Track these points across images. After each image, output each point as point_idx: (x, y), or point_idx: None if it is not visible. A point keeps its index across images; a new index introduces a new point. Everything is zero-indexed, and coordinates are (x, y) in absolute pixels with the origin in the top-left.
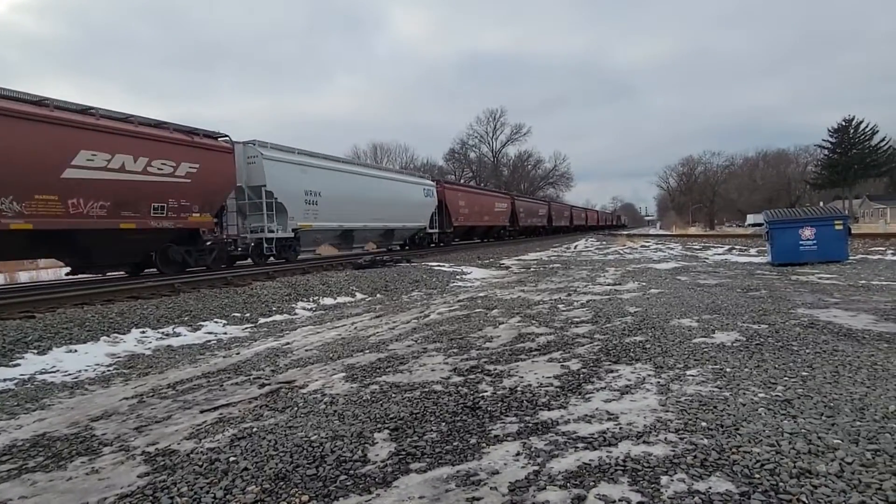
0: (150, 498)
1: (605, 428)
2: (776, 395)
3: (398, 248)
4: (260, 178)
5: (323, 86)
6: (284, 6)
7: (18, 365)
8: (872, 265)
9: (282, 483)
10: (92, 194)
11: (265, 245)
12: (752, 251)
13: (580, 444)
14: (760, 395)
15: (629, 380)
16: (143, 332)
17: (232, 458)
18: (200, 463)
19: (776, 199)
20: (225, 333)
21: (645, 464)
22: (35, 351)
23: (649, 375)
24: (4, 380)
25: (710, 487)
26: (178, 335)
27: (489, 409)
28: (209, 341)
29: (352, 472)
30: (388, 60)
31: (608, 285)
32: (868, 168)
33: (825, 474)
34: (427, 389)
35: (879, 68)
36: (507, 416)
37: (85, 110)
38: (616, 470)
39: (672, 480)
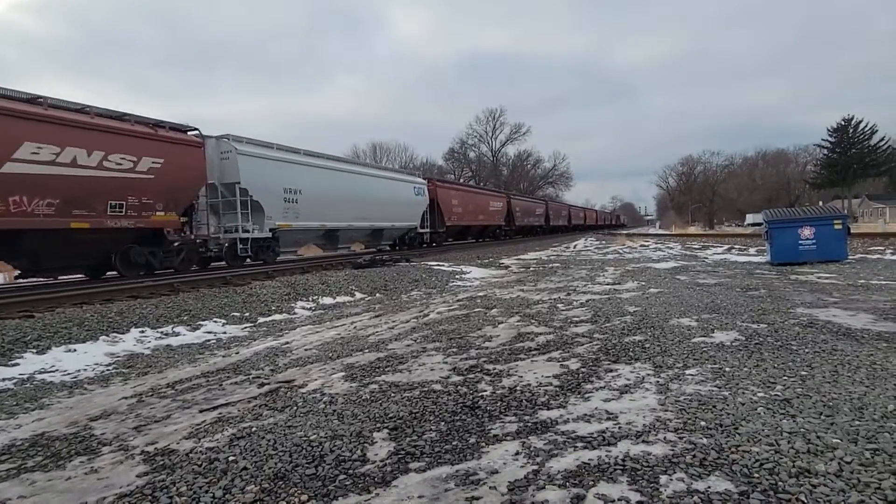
0: (150, 497)
1: (604, 427)
2: (775, 395)
3: (388, 248)
4: (234, 175)
5: (323, 86)
6: (284, 6)
7: (17, 364)
8: (871, 264)
9: (281, 482)
10: (37, 191)
11: (240, 246)
12: (752, 251)
13: (579, 444)
14: (759, 394)
15: (628, 379)
16: (143, 332)
17: (231, 458)
18: (199, 462)
19: (775, 198)
20: (224, 333)
21: (644, 463)
22: (34, 350)
23: (648, 375)
24: (3, 379)
25: (709, 487)
26: (178, 335)
27: (488, 408)
28: (208, 341)
29: (351, 471)
30: (388, 60)
31: (607, 285)
32: (867, 167)
33: (824, 473)
34: (426, 389)
35: (879, 68)
36: (506, 415)
37: (32, 99)
38: (615, 469)
39: (671, 480)
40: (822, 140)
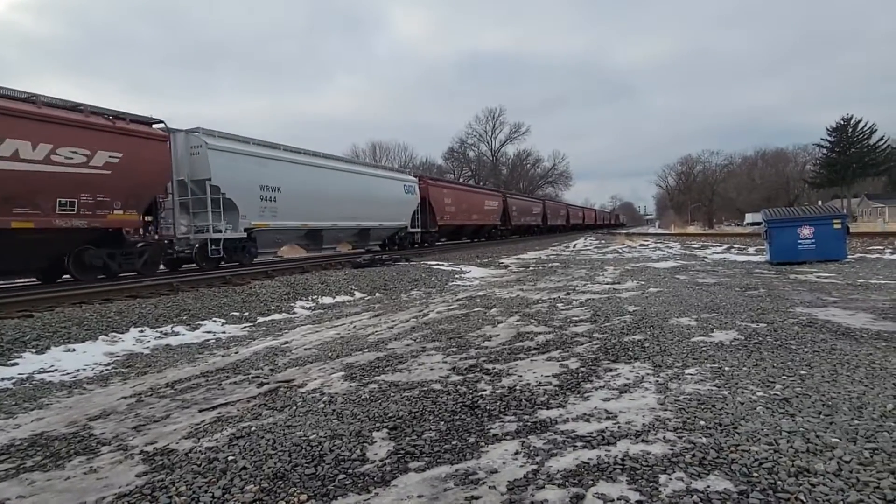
0: (149, 497)
1: (603, 427)
2: (774, 394)
3: (377, 249)
4: (204, 171)
5: (323, 86)
6: (284, 6)
7: (17, 364)
8: (871, 264)
9: (280, 482)
10: None
11: (211, 247)
12: (751, 250)
13: (579, 443)
14: (759, 393)
15: (628, 379)
16: (142, 332)
17: (230, 458)
18: (199, 462)
19: (775, 197)
20: (223, 332)
21: (643, 462)
22: (33, 350)
23: (648, 374)
24: (3, 379)
25: (708, 486)
26: (177, 334)
27: (488, 408)
28: (208, 340)
29: (350, 471)
30: (388, 60)
31: (607, 284)
32: (866, 167)
33: (823, 473)
34: (426, 388)
35: (879, 68)
36: (505, 415)
37: None
38: (615, 469)
39: (670, 479)
40: (822, 139)
